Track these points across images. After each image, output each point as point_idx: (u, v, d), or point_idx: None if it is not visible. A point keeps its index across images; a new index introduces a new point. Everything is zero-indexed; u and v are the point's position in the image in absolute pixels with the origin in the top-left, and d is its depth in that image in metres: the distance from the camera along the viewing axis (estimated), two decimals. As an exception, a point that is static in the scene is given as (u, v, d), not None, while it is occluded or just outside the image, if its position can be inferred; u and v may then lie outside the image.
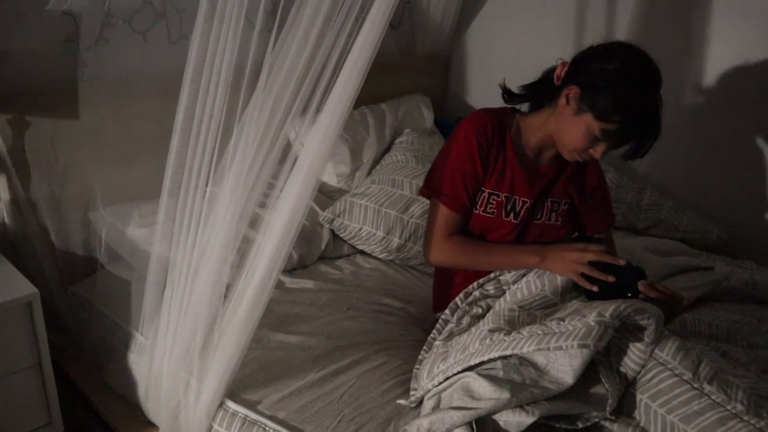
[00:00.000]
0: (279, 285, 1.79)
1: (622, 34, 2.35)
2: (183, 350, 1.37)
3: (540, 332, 1.18)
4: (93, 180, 1.76)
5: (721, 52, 2.20)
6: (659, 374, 1.16)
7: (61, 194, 1.75)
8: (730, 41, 2.17)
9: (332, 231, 2.00)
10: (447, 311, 1.43)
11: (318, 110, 1.22)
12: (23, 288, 1.45)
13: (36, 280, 1.61)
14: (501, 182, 1.50)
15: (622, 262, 1.36)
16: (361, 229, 1.93)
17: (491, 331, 1.25)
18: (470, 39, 2.80)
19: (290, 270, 1.87)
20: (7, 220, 1.73)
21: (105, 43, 1.79)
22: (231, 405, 1.34)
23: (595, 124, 1.34)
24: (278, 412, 1.32)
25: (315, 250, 1.94)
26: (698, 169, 2.33)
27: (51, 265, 1.76)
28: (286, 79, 1.23)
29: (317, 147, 1.23)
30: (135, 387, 1.56)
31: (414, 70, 2.72)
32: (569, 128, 1.39)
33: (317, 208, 2.02)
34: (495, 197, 1.50)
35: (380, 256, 1.98)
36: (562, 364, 1.14)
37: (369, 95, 2.46)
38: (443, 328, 1.41)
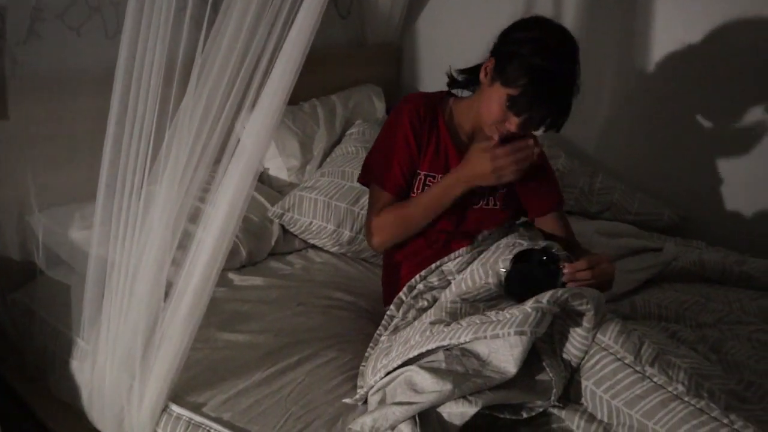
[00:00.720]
0: (227, 283, 1.75)
1: (569, 18, 2.35)
2: (125, 354, 1.33)
3: (478, 321, 1.17)
4: (28, 182, 1.70)
5: (667, 35, 2.22)
6: (602, 359, 1.16)
7: (-7, 198, 1.68)
8: (675, 24, 2.20)
9: (282, 226, 1.96)
10: (392, 306, 1.42)
11: (254, 104, 1.20)
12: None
13: (-28, 288, 1.55)
14: (435, 164, 1.49)
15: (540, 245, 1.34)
16: (311, 223, 1.90)
17: (432, 323, 1.23)
18: (421, 28, 2.79)
19: (239, 267, 1.83)
20: (-61, 227, 1.66)
21: (37, 39, 1.72)
22: (175, 408, 1.30)
23: (502, 91, 1.35)
24: (224, 413, 1.29)
25: (265, 246, 1.90)
26: (649, 151, 2.36)
27: (-14, 272, 1.70)
28: (219, 73, 1.20)
29: (254, 140, 1.20)
30: (79, 394, 1.51)
31: (365, 61, 2.70)
32: (485, 101, 1.40)
33: (266, 204, 1.98)
34: (431, 179, 1.49)
35: (332, 250, 1.96)
36: (504, 354, 1.13)
37: (319, 87, 2.43)
38: (389, 324, 1.39)
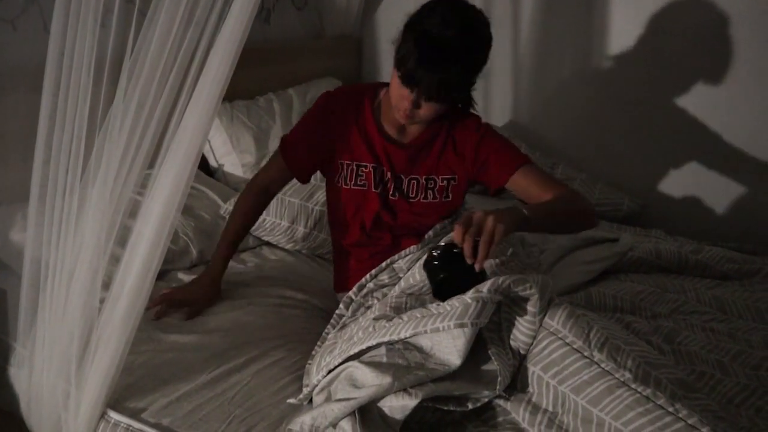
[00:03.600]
0: (177, 282, 1.71)
1: (526, 6, 2.34)
2: (61, 359, 1.28)
3: (419, 314, 1.15)
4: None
5: (622, 26, 2.22)
6: (550, 344, 1.14)
7: None
8: (629, 14, 2.19)
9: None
10: (341, 305, 1.38)
11: (189, 101, 1.15)
12: None
13: None
14: (361, 152, 1.47)
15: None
16: (264, 219, 1.86)
17: (376, 318, 1.21)
18: (381, 19, 2.75)
19: (190, 267, 1.79)
20: None
21: (-35, 31, 1.66)
22: (113, 415, 1.25)
23: (395, 71, 1.33)
24: (164, 418, 1.24)
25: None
26: (608, 141, 2.36)
27: None
28: (151, 69, 1.15)
29: (190, 135, 1.16)
30: (17, 402, 1.46)
31: (323, 53, 2.66)
32: (390, 86, 1.38)
33: (219, 201, 1.93)
34: (363, 168, 1.46)
35: (286, 247, 1.91)
36: (447, 346, 1.10)
37: (275, 81, 2.38)
38: (338, 323, 1.36)
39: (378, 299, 1.36)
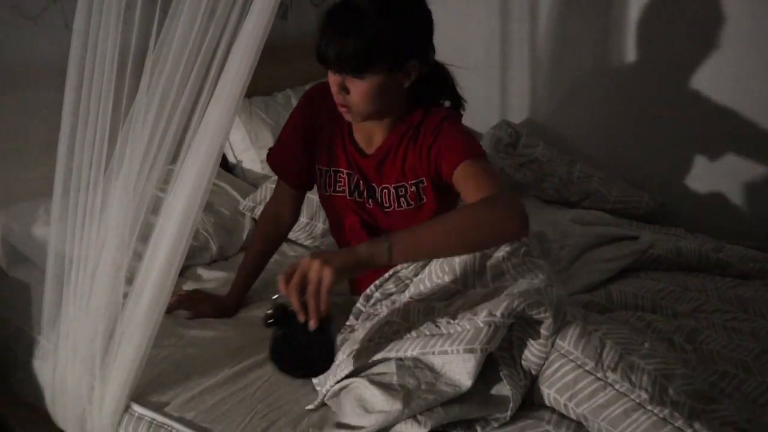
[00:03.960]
0: (196, 278, 1.73)
1: (546, 4, 2.33)
2: (85, 353, 1.30)
3: (427, 332, 1.12)
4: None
5: (644, 22, 2.20)
6: (562, 367, 1.10)
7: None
8: (651, 11, 2.17)
9: (254, 219, 1.92)
10: (351, 315, 1.35)
11: (211, 93, 1.16)
12: None
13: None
14: (337, 158, 1.42)
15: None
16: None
17: (382, 326, 1.17)
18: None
19: (209, 262, 1.80)
20: None
21: (-10, 28, 1.68)
22: (137, 409, 1.27)
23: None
24: (187, 412, 1.25)
25: (236, 240, 1.87)
26: (627, 138, 2.34)
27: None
28: (174, 64, 1.16)
29: (213, 131, 1.16)
30: (42, 394, 1.48)
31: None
32: None
33: (238, 197, 1.94)
34: (340, 174, 1.43)
35: (305, 243, 1.92)
36: (457, 366, 1.08)
37: (293, 77, 2.39)
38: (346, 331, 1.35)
39: (387, 307, 1.32)
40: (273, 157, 1.52)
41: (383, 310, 1.29)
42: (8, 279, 1.66)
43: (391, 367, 1.13)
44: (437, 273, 1.26)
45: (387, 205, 1.41)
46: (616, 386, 1.06)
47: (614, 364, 1.08)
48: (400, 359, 1.13)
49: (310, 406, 1.23)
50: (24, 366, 1.53)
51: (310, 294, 1.01)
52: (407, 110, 1.37)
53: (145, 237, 1.25)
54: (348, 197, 1.44)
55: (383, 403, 1.06)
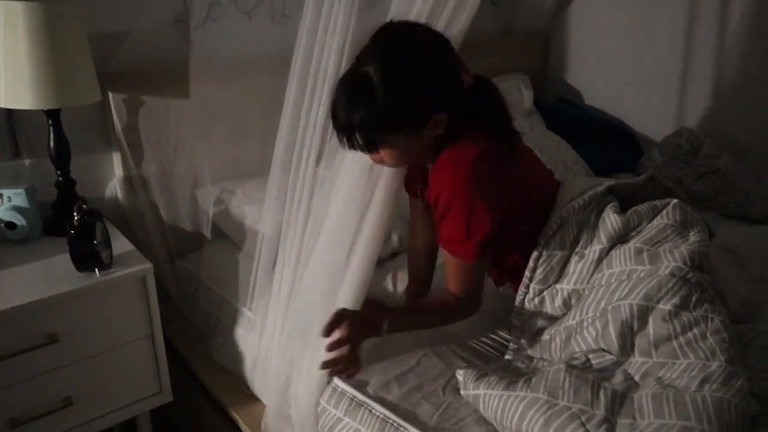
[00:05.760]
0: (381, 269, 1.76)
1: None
2: (294, 326, 1.39)
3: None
4: (201, 157, 1.80)
5: None
6: None
7: (171, 171, 1.80)
8: None
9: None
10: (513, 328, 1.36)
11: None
12: (138, 262, 1.49)
13: (145, 254, 1.67)
14: (414, 177, 1.40)
15: None
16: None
17: (531, 401, 1.11)
18: (571, 16, 2.69)
19: (391, 255, 1.84)
20: (120, 197, 1.80)
21: (212, 23, 1.81)
22: (339, 384, 1.33)
23: None
24: (386, 394, 1.30)
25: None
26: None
27: (159, 239, 1.82)
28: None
29: None
30: (242, 361, 1.59)
31: (512, 49, 2.64)
32: None
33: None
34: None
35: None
36: None
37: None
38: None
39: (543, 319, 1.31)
40: None
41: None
42: (214, 251, 1.80)
43: None
44: (589, 332, 1.21)
45: None
46: None
47: None
48: None
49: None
50: (225, 333, 1.66)
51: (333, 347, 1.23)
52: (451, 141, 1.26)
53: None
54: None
55: None
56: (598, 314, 1.21)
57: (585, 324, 1.23)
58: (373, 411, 1.27)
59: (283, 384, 1.42)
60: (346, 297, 1.30)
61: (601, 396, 1.08)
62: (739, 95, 2.30)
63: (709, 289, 1.19)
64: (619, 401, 1.08)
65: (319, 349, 1.30)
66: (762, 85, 2.22)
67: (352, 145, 1.18)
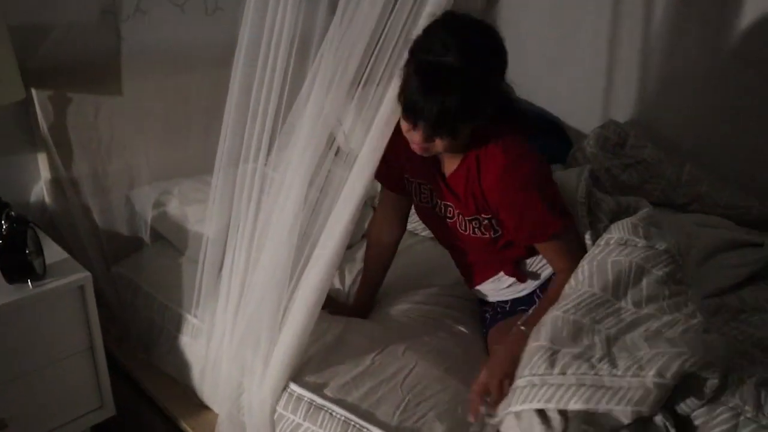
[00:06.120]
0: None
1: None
2: (245, 331, 1.35)
3: (589, 382, 1.10)
4: (136, 157, 1.72)
5: (757, 20, 2.15)
6: (721, 414, 1.11)
7: (103, 172, 1.70)
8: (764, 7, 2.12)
9: (374, 208, 1.95)
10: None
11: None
12: (74, 271, 1.41)
13: (79, 260, 1.58)
14: (423, 171, 1.40)
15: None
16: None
17: (535, 349, 1.17)
18: (500, 15, 2.73)
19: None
20: (48, 200, 1.69)
21: (142, 15, 1.73)
22: (295, 388, 1.30)
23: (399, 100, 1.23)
24: (345, 396, 1.28)
25: (359, 229, 1.90)
26: (738, 141, 2.28)
27: (94, 245, 1.73)
28: (349, 55, 1.19)
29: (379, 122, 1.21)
30: (189, 369, 1.54)
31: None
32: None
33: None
34: (424, 187, 1.43)
35: (422, 234, 1.95)
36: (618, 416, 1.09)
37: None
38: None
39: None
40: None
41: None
42: (153, 255, 1.72)
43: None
44: (582, 271, 1.28)
45: (463, 229, 1.41)
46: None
47: None
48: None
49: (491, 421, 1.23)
50: (169, 341, 1.59)
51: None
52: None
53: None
54: (435, 210, 1.45)
55: None
56: (595, 264, 1.28)
57: (580, 268, 1.30)
58: (334, 414, 1.25)
59: (235, 391, 1.38)
60: (304, 300, 1.27)
61: (596, 339, 1.17)
62: (662, 89, 2.42)
63: (685, 277, 1.32)
64: (613, 341, 1.17)
65: (271, 355, 1.28)
66: (683, 80, 2.34)
67: (435, 132, 1.20)
